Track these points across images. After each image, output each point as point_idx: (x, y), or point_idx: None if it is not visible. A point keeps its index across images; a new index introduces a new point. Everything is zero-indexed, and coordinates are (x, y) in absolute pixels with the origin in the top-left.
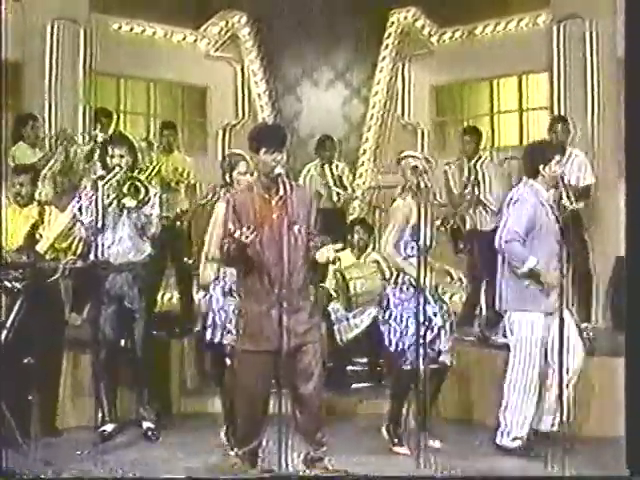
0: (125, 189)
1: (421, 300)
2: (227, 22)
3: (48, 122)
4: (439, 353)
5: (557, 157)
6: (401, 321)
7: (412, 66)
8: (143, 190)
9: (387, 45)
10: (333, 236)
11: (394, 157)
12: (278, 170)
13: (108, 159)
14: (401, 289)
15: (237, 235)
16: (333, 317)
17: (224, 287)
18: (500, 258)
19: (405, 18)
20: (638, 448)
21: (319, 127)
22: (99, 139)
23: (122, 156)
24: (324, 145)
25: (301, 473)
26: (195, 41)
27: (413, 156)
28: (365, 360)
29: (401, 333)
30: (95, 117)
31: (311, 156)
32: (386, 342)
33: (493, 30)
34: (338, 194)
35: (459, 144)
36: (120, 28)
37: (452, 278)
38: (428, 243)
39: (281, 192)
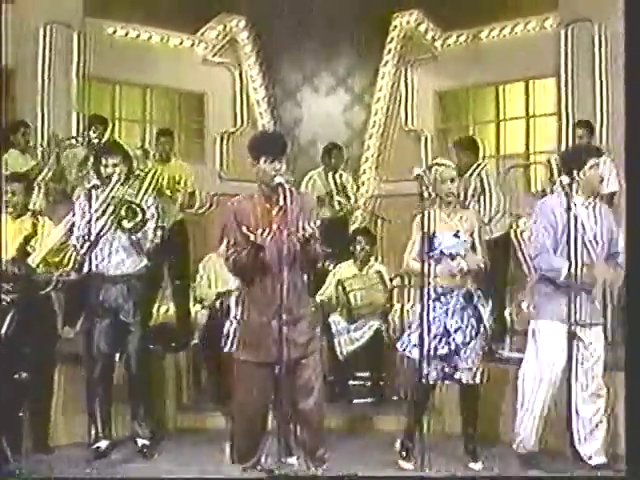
0: (123, 213)
1: (434, 309)
2: (225, 26)
3: (40, 129)
4: (455, 369)
5: (592, 161)
6: (414, 331)
7: (415, 71)
8: (140, 214)
9: (389, 50)
10: (335, 246)
11: (397, 165)
12: (278, 179)
13: (102, 169)
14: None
15: (252, 238)
16: (334, 330)
17: (238, 297)
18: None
19: (408, 22)
20: (638, 448)
21: (320, 134)
22: (94, 142)
23: (116, 165)
24: (331, 153)
25: (300, 473)
26: (192, 46)
27: (444, 164)
28: (367, 374)
29: (414, 344)
30: (89, 124)
31: (313, 163)
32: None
33: (499, 34)
34: (341, 203)
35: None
36: (115, 32)
37: None
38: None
39: (281, 202)
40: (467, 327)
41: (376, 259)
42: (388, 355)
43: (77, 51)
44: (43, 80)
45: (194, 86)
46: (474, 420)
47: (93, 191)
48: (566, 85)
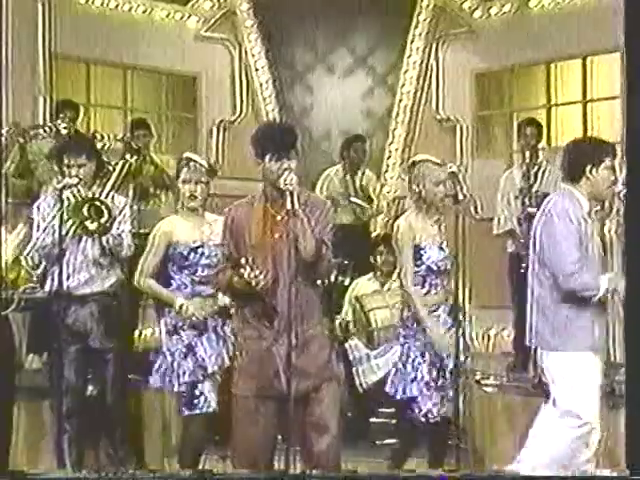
0: (85, 212)
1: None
2: None
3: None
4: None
5: (608, 160)
6: (406, 363)
7: (449, 48)
8: (106, 211)
9: (418, 23)
10: (354, 258)
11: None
12: (286, 179)
13: (65, 169)
14: (406, 325)
15: (246, 277)
16: (351, 357)
17: (168, 323)
18: (533, 282)
19: None
20: (638, 448)
21: (335, 124)
22: (62, 129)
23: (81, 166)
24: (353, 147)
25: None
26: (182, 19)
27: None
28: (392, 410)
29: (411, 378)
30: (57, 111)
31: (327, 159)
32: (388, 389)
33: (551, 2)
34: (362, 208)
35: (517, 140)
36: (89, 2)
37: None
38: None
39: (288, 205)
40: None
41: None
42: None
43: (42, 24)
44: (1, 60)
45: (185, 67)
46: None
47: (65, 192)
48: (632, 62)
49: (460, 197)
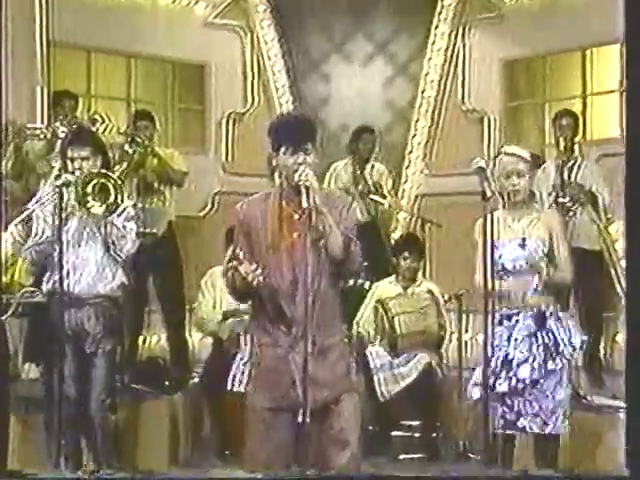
0: (89, 189)
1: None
2: None
3: None
4: (519, 415)
5: None
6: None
7: (476, 34)
8: (113, 191)
9: (443, 7)
10: (371, 259)
11: (452, 155)
12: (302, 175)
13: (68, 162)
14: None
15: (243, 272)
16: (373, 365)
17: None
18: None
19: None
20: (638, 448)
21: (353, 116)
22: (59, 132)
23: (85, 159)
24: (361, 139)
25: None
26: (189, 4)
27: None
28: (416, 423)
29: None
30: (55, 103)
31: (343, 154)
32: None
33: None
34: (374, 203)
35: (554, 133)
36: None
37: None
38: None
39: (305, 203)
40: (535, 359)
41: (424, 275)
42: (443, 397)
43: (40, 9)
44: None
45: (192, 55)
46: None
47: (65, 190)
48: None
49: (488, 194)
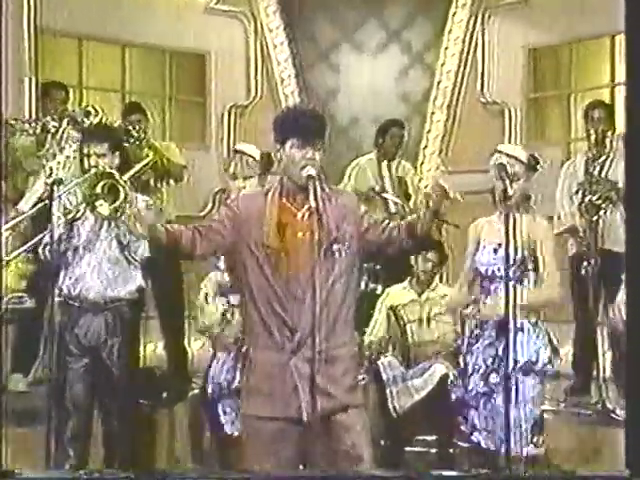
0: (98, 189)
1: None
2: None
3: None
4: (473, 429)
5: None
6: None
7: (497, 21)
8: (122, 192)
9: None
10: (385, 262)
11: (470, 150)
12: (309, 171)
13: (85, 160)
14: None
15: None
16: (385, 376)
17: None
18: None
19: None
20: (638, 448)
21: (364, 109)
22: (50, 127)
23: (100, 156)
24: (389, 133)
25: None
26: None
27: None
28: (432, 438)
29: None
30: (44, 95)
31: (355, 149)
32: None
33: None
34: (398, 205)
35: (584, 125)
36: None
37: None
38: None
39: (311, 202)
40: (487, 371)
41: (440, 279)
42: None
43: None
44: None
45: (193, 44)
46: None
47: (55, 188)
48: None
49: (510, 192)
